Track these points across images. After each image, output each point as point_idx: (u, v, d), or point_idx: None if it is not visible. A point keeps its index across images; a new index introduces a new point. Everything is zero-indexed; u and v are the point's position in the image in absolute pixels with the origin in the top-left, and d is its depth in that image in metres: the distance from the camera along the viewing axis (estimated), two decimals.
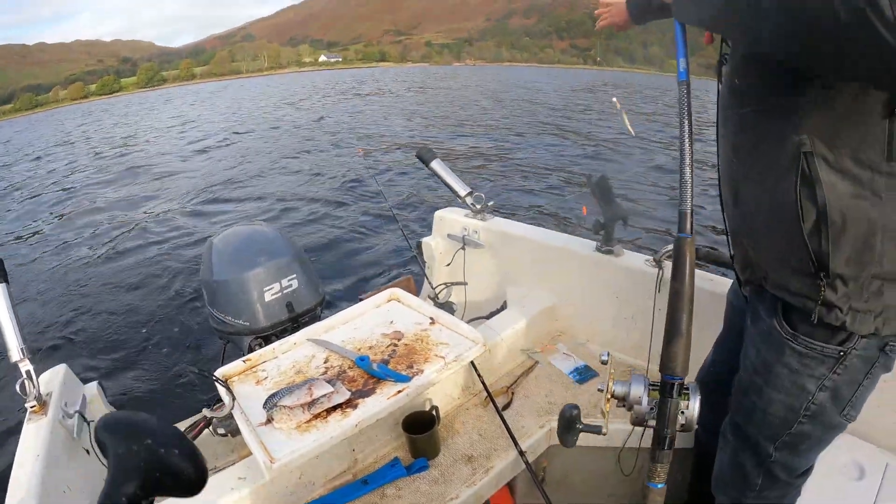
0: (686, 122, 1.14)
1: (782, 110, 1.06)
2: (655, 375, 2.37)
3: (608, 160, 11.91)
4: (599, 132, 16.39)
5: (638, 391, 1.23)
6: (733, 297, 1.63)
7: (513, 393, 2.38)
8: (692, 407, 1.18)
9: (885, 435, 1.81)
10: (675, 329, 1.12)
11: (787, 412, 1.27)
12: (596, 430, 1.33)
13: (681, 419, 1.17)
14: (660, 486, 1.21)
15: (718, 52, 1.29)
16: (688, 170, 1.12)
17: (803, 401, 1.24)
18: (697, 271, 2.35)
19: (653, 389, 1.22)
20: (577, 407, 1.37)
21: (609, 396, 1.26)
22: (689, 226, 1.12)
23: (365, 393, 1.67)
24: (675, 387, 1.16)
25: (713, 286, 2.26)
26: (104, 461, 0.67)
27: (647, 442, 2.13)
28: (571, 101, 29.62)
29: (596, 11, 1.76)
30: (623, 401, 1.25)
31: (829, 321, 1.13)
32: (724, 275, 2.31)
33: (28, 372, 1.87)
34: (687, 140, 1.12)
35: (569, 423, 1.36)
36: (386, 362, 1.79)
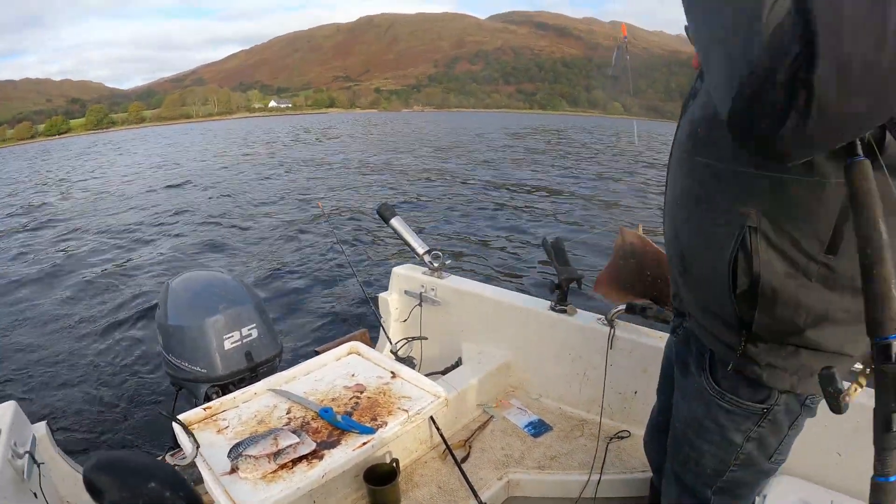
0: None
1: (737, 179, 1.09)
2: (608, 428, 2.47)
3: (566, 218, 12.12)
4: (558, 186, 16.72)
5: None
6: (669, 351, 1.69)
7: (470, 446, 2.42)
8: None
9: (828, 475, 1.91)
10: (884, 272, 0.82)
11: (718, 463, 1.34)
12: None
13: None
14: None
15: (691, 84, 1.29)
16: None
17: (732, 452, 1.31)
18: (645, 329, 2.48)
19: None
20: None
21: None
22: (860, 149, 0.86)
23: (330, 444, 1.68)
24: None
25: (663, 344, 2.36)
26: None
27: (603, 492, 2.21)
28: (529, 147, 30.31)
29: None
30: None
31: (745, 373, 1.20)
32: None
33: None
34: None
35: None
36: (350, 414, 1.81)
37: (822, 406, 1.04)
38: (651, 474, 2.05)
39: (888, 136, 0.86)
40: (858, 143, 0.84)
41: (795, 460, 1.41)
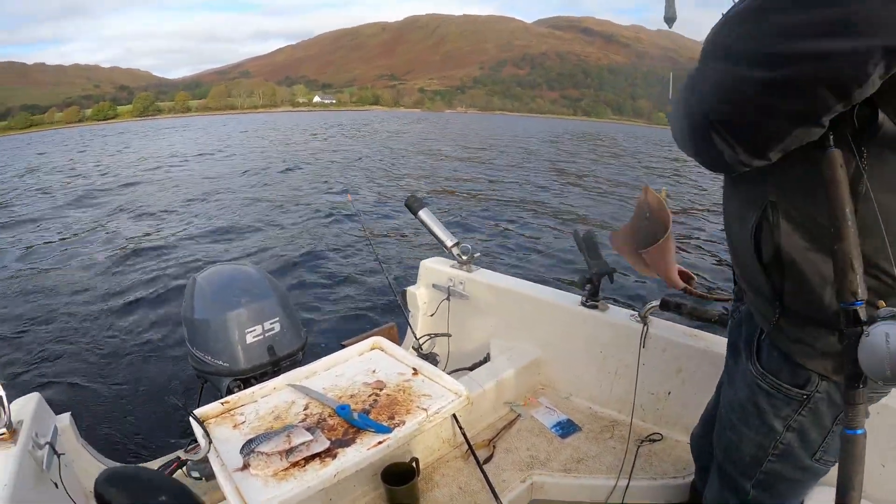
0: None
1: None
2: (639, 430, 2.38)
3: (600, 209, 12.03)
4: (592, 182, 16.61)
5: None
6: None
7: (494, 446, 2.36)
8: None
9: (869, 486, 1.81)
10: (844, 248, 0.93)
11: (757, 450, 1.33)
12: None
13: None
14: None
15: None
16: None
17: (771, 440, 1.29)
18: (680, 327, 2.38)
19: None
20: None
21: None
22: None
23: (344, 443, 1.63)
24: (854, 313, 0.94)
25: (699, 343, 2.28)
26: None
27: (631, 497, 2.13)
28: (564, 149, 30.22)
29: None
30: None
31: (777, 344, 1.22)
32: (712, 332, 2.34)
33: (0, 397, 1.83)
34: None
35: None
36: (367, 412, 1.76)
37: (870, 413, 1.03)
38: (688, 479, 1.98)
39: (880, 115, 0.91)
40: (831, 134, 0.94)
41: (835, 470, 1.33)
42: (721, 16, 1.09)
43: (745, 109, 0.96)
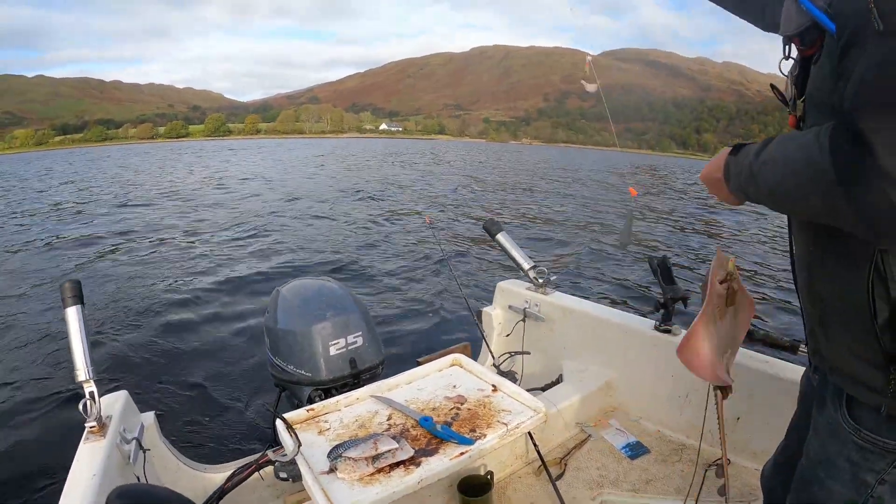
0: None
1: None
2: (707, 455, 2.38)
3: (672, 239, 11.91)
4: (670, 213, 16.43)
5: None
6: (805, 383, 1.57)
7: (565, 464, 2.41)
8: None
9: None
10: None
11: None
12: None
13: None
14: None
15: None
16: None
17: (862, 493, 1.21)
18: (753, 353, 2.38)
19: None
20: None
21: None
22: None
23: (428, 452, 1.70)
24: None
25: (771, 368, 2.28)
26: None
27: None
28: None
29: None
30: None
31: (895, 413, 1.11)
32: (784, 359, 2.34)
33: (91, 393, 1.95)
34: None
35: None
36: (449, 424, 1.83)
37: None
38: None
39: None
40: None
41: None
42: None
43: None
